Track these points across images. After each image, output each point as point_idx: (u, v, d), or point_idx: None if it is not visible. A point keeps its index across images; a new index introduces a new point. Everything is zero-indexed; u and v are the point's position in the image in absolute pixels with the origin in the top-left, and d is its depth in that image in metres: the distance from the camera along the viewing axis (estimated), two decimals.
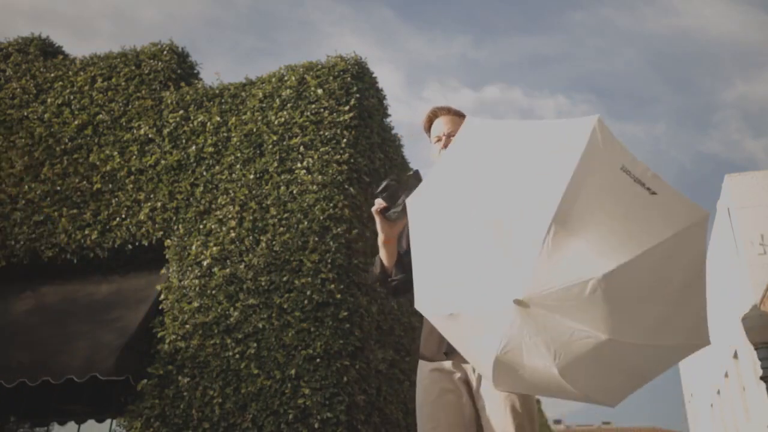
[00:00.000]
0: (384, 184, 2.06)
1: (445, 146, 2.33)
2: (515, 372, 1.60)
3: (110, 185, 6.43)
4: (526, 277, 1.45)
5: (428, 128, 2.43)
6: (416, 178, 2.04)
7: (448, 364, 2.15)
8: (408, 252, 2.36)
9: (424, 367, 2.21)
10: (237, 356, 5.21)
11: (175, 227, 6.01)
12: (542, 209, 1.43)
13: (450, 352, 2.13)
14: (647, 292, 1.48)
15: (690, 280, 1.55)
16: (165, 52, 7.11)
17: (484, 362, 1.65)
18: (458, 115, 2.41)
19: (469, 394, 2.13)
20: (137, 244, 6.12)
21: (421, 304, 1.76)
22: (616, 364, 1.55)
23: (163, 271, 5.91)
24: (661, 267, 1.47)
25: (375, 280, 2.36)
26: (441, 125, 2.38)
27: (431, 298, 1.73)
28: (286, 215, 5.69)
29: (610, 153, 1.47)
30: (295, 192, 5.78)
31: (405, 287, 2.32)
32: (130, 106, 6.82)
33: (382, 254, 2.24)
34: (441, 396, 2.12)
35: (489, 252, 1.53)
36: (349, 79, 6.27)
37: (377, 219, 2.13)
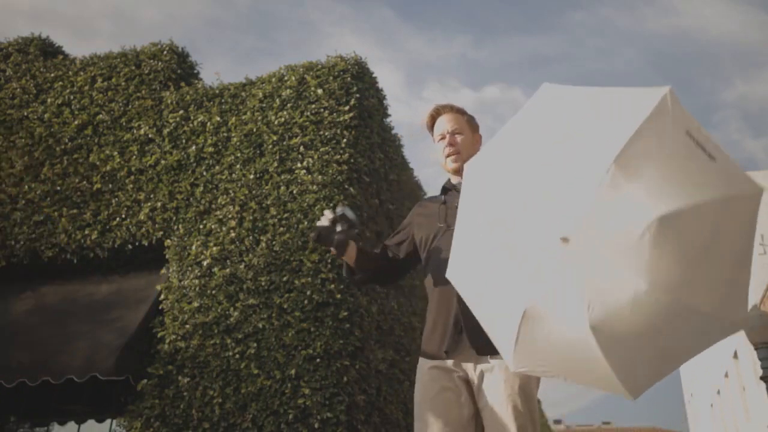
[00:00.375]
0: (317, 233, 2.18)
1: (449, 144, 2.33)
2: (541, 331, 1.56)
3: (110, 185, 6.42)
4: (576, 216, 1.48)
5: (431, 126, 2.42)
6: (342, 217, 2.19)
7: (449, 362, 2.14)
8: (398, 245, 2.43)
9: (424, 365, 2.21)
10: (237, 356, 5.21)
11: (175, 227, 6.01)
12: (604, 152, 1.47)
13: (451, 351, 2.13)
14: (693, 251, 1.49)
15: (738, 255, 1.57)
16: (165, 52, 7.10)
17: (507, 328, 1.62)
18: (461, 113, 2.41)
19: (469, 393, 2.12)
20: (137, 244, 6.11)
21: (454, 269, 1.80)
22: (648, 331, 1.50)
23: (163, 271, 5.90)
24: (711, 229, 1.49)
25: (345, 277, 2.48)
26: (444, 123, 2.38)
27: (468, 257, 1.76)
28: (286, 215, 5.68)
29: (677, 117, 1.53)
30: (295, 192, 5.77)
31: (369, 280, 2.51)
32: (130, 106, 6.81)
33: (344, 258, 2.32)
34: (439, 393, 2.11)
35: (538, 191, 1.57)
36: (349, 79, 6.26)
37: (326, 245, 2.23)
